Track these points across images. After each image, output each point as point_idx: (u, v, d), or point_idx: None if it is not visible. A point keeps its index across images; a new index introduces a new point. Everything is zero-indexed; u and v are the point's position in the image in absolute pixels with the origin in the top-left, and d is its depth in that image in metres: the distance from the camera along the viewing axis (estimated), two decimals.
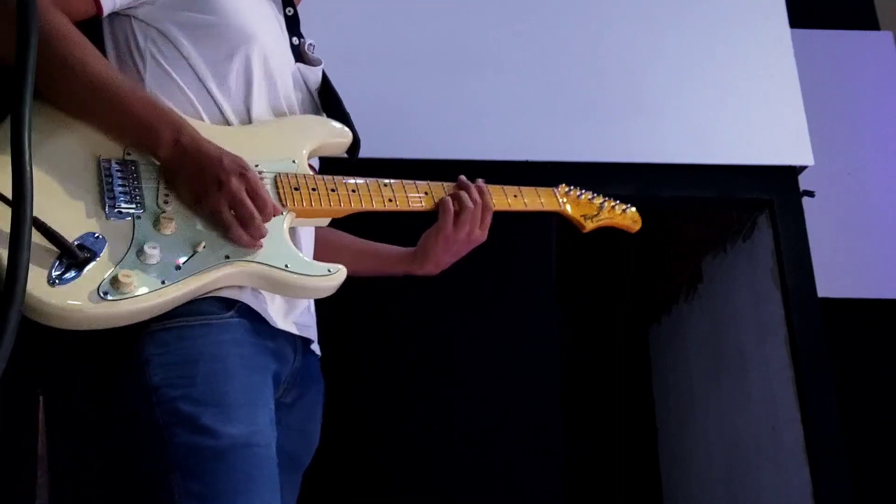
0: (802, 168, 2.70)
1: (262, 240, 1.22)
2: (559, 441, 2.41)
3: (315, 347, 1.43)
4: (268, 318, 1.27)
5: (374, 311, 2.43)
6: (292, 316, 1.34)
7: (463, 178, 1.48)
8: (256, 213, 1.19)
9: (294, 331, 1.34)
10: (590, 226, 1.64)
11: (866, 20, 3.34)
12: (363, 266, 1.55)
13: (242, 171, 1.20)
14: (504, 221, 1.53)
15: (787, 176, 2.70)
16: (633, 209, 1.71)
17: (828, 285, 2.70)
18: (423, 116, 2.54)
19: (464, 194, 1.44)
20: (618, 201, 1.69)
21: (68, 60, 1.17)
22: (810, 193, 2.71)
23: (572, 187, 1.64)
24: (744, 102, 2.68)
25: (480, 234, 1.46)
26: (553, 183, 1.66)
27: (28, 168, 0.78)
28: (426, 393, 2.39)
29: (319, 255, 1.42)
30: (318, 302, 1.43)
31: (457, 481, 2.32)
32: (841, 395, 2.52)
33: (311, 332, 1.41)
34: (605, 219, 1.66)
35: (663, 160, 2.62)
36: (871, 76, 3.15)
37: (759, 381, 2.79)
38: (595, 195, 1.66)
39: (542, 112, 2.60)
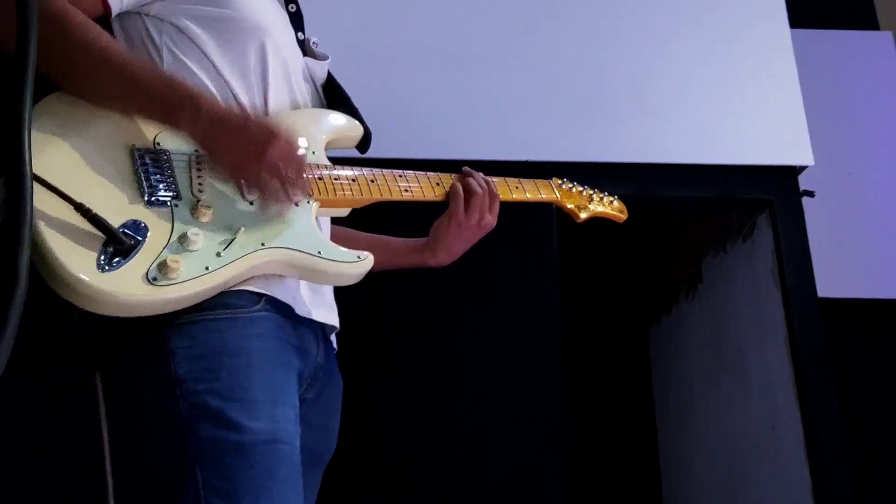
0: (802, 168, 2.70)
1: (293, 227, 1.23)
2: (563, 438, 2.40)
3: (333, 339, 1.45)
4: (295, 306, 1.28)
5: (378, 305, 2.42)
6: (317, 305, 1.35)
7: (467, 168, 1.53)
8: (299, 174, 1.22)
9: (320, 318, 1.35)
10: (583, 216, 1.71)
11: (866, 20, 3.34)
12: (379, 260, 1.58)
13: (274, 133, 1.21)
14: (507, 224, 1.55)
15: (787, 176, 2.70)
16: (619, 200, 1.78)
17: (828, 285, 2.70)
18: (423, 116, 2.54)
19: (471, 181, 1.49)
20: (605, 193, 1.76)
21: (85, 47, 1.17)
22: (810, 193, 2.71)
23: (564, 180, 1.71)
24: (744, 102, 2.68)
25: (491, 220, 1.50)
26: None
27: (28, 168, 0.78)
28: (433, 388, 2.38)
29: None
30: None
31: (460, 476, 2.32)
32: (841, 395, 2.52)
33: (335, 321, 1.42)
34: (595, 210, 1.73)
35: (664, 160, 2.61)
36: (871, 76, 3.15)
37: (759, 381, 2.79)
38: (585, 187, 1.73)
39: (543, 112, 2.60)
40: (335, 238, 1.49)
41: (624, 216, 1.77)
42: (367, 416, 2.32)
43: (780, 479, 2.62)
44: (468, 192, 1.48)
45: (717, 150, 2.64)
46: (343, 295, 1.41)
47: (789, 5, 2.82)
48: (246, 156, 1.19)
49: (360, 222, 1.52)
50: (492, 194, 1.49)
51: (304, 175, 1.24)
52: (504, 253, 2.39)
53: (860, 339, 2.90)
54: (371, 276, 1.51)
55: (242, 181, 1.22)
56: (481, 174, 1.52)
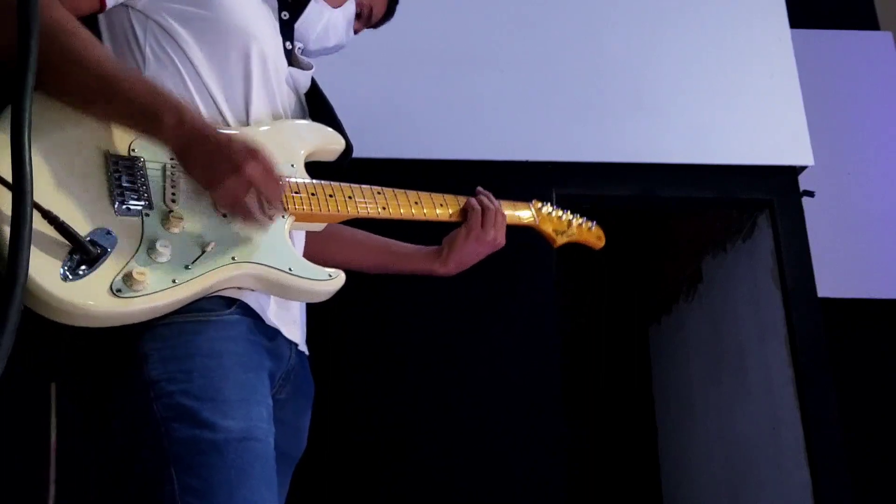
0: (802, 168, 2.70)
1: (265, 241, 1.22)
2: (563, 439, 2.40)
3: (303, 347, 1.44)
4: (264, 318, 1.28)
5: (372, 309, 2.42)
6: (282, 320, 1.35)
7: (479, 187, 1.59)
8: (276, 194, 1.21)
9: (285, 334, 1.34)
10: (560, 241, 1.72)
11: (866, 20, 3.34)
12: (382, 261, 1.61)
13: (253, 152, 1.19)
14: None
15: (787, 176, 2.70)
16: (597, 225, 1.78)
17: (828, 285, 2.71)
18: (422, 116, 2.54)
19: (483, 198, 1.55)
20: (584, 218, 1.75)
21: (73, 53, 1.15)
22: (810, 193, 2.71)
23: (544, 203, 1.71)
24: (744, 102, 2.68)
25: (502, 239, 1.56)
26: (552, 183, 1.69)
27: (28, 168, 0.78)
28: (428, 388, 2.38)
29: (343, 251, 1.49)
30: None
31: (460, 477, 2.32)
32: (841, 395, 2.52)
33: (299, 334, 1.42)
34: (573, 235, 1.73)
35: (663, 160, 2.62)
36: (871, 76, 3.15)
37: (759, 380, 2.79)
38: (565, 212, 1.72)
39: (542, 112, 2.60)
40: (341, 238, 1.52)
41: (601, 243, 1.77)
42: (361, 418, 2.32)
43: (780, 479, 2.62)
44: (484, 207, 1.53)
45: (716, 150, 2.64)
46: (342, 300, 1.40)
47: (789, 5, 2.83)
48: (222, 171, 1.17)
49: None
50: (500, 213, 1.55)
51: (281, 196, 1.23)
52: (501, 252, 2.40)
53: (860, 339, 2.90)
54: (367, 280, 1.51)
55: (216, 196, 1.20)
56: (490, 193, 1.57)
